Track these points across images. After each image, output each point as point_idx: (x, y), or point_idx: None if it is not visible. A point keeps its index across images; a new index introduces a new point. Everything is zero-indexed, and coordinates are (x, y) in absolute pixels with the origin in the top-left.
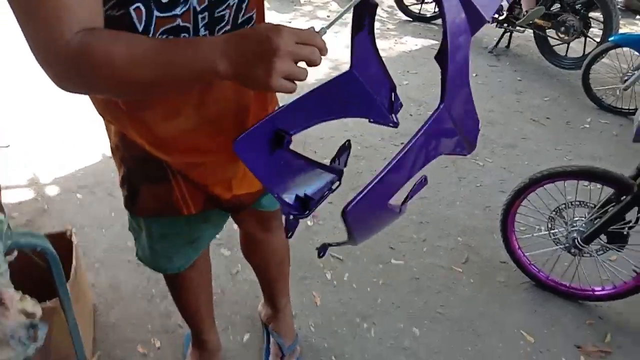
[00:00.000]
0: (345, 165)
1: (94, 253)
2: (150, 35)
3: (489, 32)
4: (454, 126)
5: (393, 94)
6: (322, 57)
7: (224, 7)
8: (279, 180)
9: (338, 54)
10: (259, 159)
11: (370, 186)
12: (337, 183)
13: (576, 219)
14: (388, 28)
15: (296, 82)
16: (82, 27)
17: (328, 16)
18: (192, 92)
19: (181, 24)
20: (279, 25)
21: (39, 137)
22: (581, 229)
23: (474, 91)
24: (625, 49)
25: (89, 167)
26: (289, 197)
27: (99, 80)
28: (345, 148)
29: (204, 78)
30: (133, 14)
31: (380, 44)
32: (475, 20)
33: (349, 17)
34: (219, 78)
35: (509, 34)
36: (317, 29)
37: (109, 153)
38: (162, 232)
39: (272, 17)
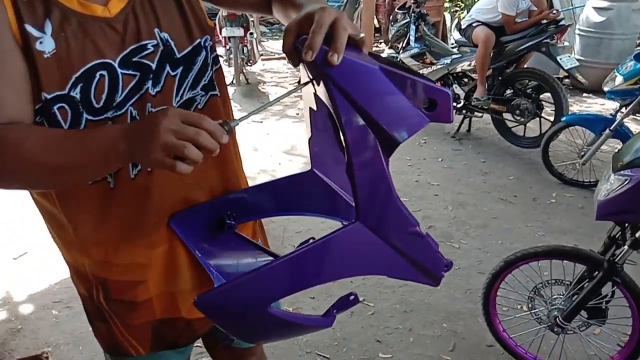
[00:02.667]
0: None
1: None
2: None
3: None
4: (398, 252)
5: None
6: (223, 142)
7: None
8: (219, 260)
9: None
10: (195, 237)
11: (229, 283)
12: None
13: (555, 297)
14: None
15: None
16: (5, 121)
17: (297, 114)
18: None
19: None
20: (169, 108)
21: (12, 251)
22: (561, 306)
23: (441, 175)
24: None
25: (65, 280)
26: (227, 277)
27: (9, 169)
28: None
29: (108, 159)
30: (57, 112)
31: None
32: (387, 141)
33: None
34: (121, 159)
35: (468, 119)
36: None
37: None
38: None
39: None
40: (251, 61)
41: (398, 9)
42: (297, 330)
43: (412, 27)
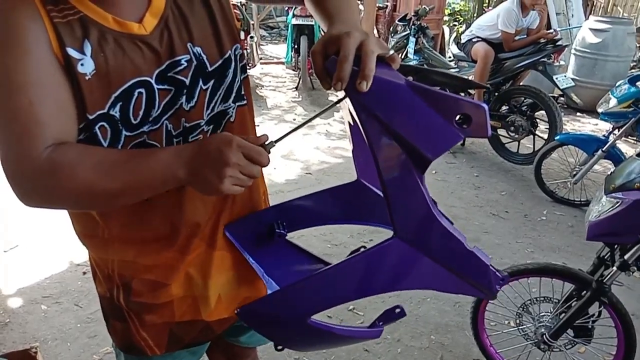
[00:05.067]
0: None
1: None
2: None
3: None
4: (444, 268)
5: None
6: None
7: (196, 132)
8: (272, 267)
9: (308, 155)
10: (247, 245)
11: (271, 293)
12: None
13: (542, 314)
14: None
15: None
16: (53, 142)
17: (294, 119)
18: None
19: (147, 140)
20: (231, 137)
21: (3, 244)
22: (548, 324)
23: (434, 188)
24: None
25: (55, 275)
26: (280, 284)
27: (65, 193)
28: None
29: (166, 185)
30: (98, 132)
31: None
32: (419, 158)
33: (317, 120)
34: (177, 184)
35: None
36: (272, 138)
37: (76, 260)
38: None
39: None
40: (250, 64)
41: (398, 20)
42: (344, 342)
43: (412, 39)
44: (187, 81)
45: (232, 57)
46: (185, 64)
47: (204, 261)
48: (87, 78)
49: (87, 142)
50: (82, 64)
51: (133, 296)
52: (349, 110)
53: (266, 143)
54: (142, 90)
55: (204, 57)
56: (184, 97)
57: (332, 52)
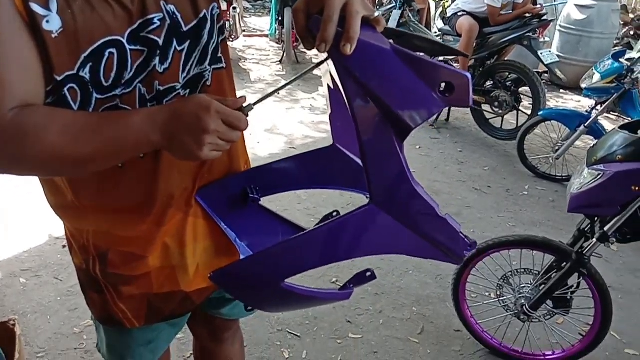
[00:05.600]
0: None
1: (38, 342)
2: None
3: None
4: (416, 234)
5: None
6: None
7: (171, 96)
8: (245, 232)
9: (292, 129)
10: (220, 210)
11: (244, 258)
12: None
13: (522, 285)
14: None
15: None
16: (18, 104)
17: (278, 93)
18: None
19: (120, 105)
20: (209, 101)
21: None
22: (528, 295)
23: (418, 163)
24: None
25: (34, 248)
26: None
27: (31, 159)
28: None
29: (139, 150)
30: (67, 94)
31: None
32: (399, 125)
33: (301, 94)
34: (151, 148)
35: (447, 108)
36: (252, 101)
37: (55, 233)
38: (114, 336)
39: None
40: (233, 37)
41: None
42: (314, 303)
43: (397, 12)
44: (161, 41)
45: (208, 17)
46: (159, 22)
47: (179, 230)
48: (53, 36)
49: (56, 105)
50: (47, 21)
51: (109, 267)
52: (330, 73)
53: (244, 106)
54: (114, 50)
55: (178, 15)
56: (158, 58)
57: (315, 11)
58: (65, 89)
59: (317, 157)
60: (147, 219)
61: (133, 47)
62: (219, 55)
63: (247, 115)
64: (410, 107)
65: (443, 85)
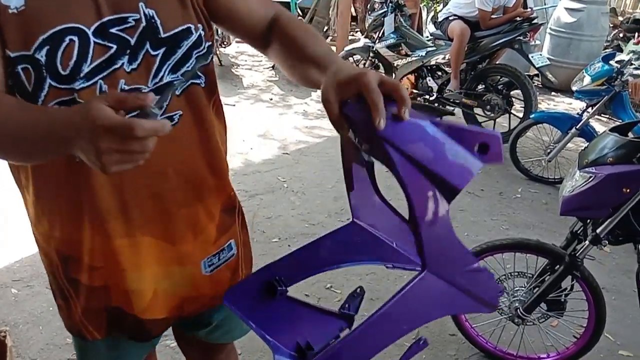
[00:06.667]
0: (356, 312)
1: (30, 353)
2: (40, 103)
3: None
4: (461, 291)
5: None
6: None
7: None
8: (276, 328)
9: (285, 134)
10: (250, 308)
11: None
12: (346, 330)
13: (517, 289)
14: None
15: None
16: None
17: (271, 99)
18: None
19: (78, 99)
20: (93, 116)
21: None
22: (522, 298)
23: None
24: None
25: (26, 258)
26: (287, 344)
27: None
28: (357, 295)
29: (58, 149)
30: (21, 73)
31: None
32: (448, 190)
33: (294, 99)
34: (63, 147)
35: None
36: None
37: None
38: (83, 349)
39: None
40: (225, 43)
41: None
42: None
43: (391, 17)
44: (132, 41)
45: (194, 32)
46: (133, 22)
47: (135, 251)
48: (9, 11)
49: (14, 85)
50: None
51: (72, 272)
52: (349, 152)
53: (152, 107)
54: (75, 38)
55: (157, 21)
56: (126, 57)
57: (347, 96)
58: (19, 68)
59: (337, 237)
60: (107, 226)
61: (99, 42)
62: (197, 72)
63: (154, 117)
64: (456, 171)
65: (477, 146)
